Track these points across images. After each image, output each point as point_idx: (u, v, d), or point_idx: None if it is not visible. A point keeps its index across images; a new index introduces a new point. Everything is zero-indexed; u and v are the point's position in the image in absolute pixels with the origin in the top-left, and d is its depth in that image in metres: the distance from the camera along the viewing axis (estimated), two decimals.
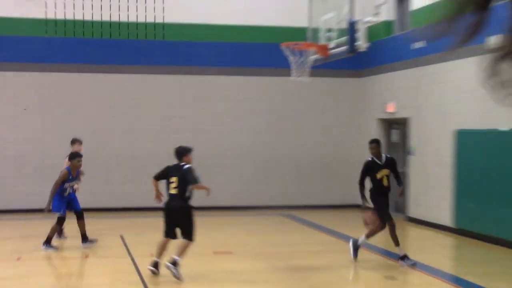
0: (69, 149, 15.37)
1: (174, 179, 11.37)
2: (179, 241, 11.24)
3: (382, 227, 13.01)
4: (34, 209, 15.44)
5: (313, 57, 15.64)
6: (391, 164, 13.39)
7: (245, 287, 11.20)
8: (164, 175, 11.68)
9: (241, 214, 20.41)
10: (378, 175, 13.12)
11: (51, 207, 13.82)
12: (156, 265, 11.26)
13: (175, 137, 20.75)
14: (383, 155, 13.47)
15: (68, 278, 12.15)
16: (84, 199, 15.22)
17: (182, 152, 11.80)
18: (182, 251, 11.07)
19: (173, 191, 11.40)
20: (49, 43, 20.64)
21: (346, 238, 16.28)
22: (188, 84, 21.39)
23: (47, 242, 13.89)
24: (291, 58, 15.84)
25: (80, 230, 14.26)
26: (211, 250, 14.07)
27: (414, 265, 12.45)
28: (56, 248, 13.97)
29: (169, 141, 19.79)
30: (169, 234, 11.38)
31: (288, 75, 16.29)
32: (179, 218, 11.40)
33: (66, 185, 14.13)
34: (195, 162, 12.04)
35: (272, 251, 14.60)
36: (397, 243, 12.76)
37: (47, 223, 14.24)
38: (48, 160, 19.36)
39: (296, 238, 16.70)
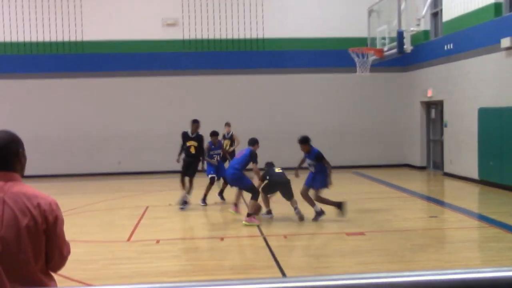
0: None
1: None
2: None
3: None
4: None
5: (371, 58, 15.55)
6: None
7: (328, 222, 11.11)
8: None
9: None
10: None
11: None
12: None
13: (276, 118, 21.15)
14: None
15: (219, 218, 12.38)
16: None
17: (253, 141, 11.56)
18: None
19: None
20: (186, 56, 21.26)
21: (399, 188, 16.26)
22: (280, 81, 21.59)
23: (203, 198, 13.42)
24: (356, 59, 15.77)
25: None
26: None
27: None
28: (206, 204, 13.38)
29: (278, 121, 20.18)
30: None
31: (354, 72, 16.24)
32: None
33: (212, 152, 13.58)
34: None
35: (345, 197, 14.54)
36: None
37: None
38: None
39: (361, 189, 16.64)
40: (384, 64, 17.21)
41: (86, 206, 13.82)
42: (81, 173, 20.66)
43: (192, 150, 13.15)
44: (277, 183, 11.32)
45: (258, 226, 10.73)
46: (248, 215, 10.89)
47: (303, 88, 21.64)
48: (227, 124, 16.86)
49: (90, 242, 9.79)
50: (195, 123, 13.29)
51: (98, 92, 21.01)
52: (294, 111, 21.49)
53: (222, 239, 9.89)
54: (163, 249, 9.39)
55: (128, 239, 10.02)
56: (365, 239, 9.59)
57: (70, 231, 10.29)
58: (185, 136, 13.26)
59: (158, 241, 9.88)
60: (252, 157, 11.20)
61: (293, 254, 8.90)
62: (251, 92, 21.45)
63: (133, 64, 21.01)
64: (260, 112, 21.28)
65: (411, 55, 16.19)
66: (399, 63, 20.61)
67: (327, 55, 21.39)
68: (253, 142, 11.62)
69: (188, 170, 13.15)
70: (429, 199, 14.56)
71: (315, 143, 12.09)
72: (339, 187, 16.67)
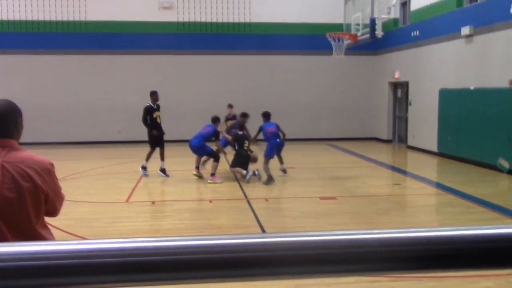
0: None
1: None
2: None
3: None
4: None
5: (346, 42, 15.49)
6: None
7: (304, 187, 11.30)
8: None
9: (301, 143, 20.35)
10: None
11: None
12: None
13: (260, 95, 21.03)
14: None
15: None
16: None
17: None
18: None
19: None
20: (180, 37, 20.99)
21: (368, 159, 16.38)
22: (265, 62, 21.46)
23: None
24: (332, 43, 15.70)
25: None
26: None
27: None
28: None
29: (262, 97, 20.06)
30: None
31: (331, 54, 16.18)
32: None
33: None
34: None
35: (320, 166, 14.66)
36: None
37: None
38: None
39: (334, 158, 16.73)
40: (357, 48, 17.17)
41: (90, 170, 13.76)
42: (86, 141, 20.52)
43: (158, 120, 12.46)
44: (245, 159, 11.87)
45: (242, 190, 10.78)
46: (212, 175, 11.72)
47: (285, 68, 21.53)
48: (230, 106, 16.43)
49: (93, 203, 9.77)
50: (155, 94, 12.51)
51: (100, 68, 20.70)
52: (277, 89, 21.41)
53: (210, 201, 9.91)
54: (157, 210, 9.40)
55: (127, 200, 10.00)
56: (337, 203, 9.67)
57: (76, 192, 10.30)
58: (151, 109, 12.40)
59: (153, 202, 9.89)
60: (216, 135, 11.99)
61: (273, 215, 8.96)
62: (238, 71, 21.30)
63: (132, 43, 20.71)
64: (246, 89, 21.17)
65: (381, 40, 16.16)
66: (371, 47, 20.55)
67: (307, 39, 21.25)
68: (215, 119, 12.37)
69: (160, 141, 12.50)
70: (393, 168, 14.70)
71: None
72: (315, 157, 16.85)
